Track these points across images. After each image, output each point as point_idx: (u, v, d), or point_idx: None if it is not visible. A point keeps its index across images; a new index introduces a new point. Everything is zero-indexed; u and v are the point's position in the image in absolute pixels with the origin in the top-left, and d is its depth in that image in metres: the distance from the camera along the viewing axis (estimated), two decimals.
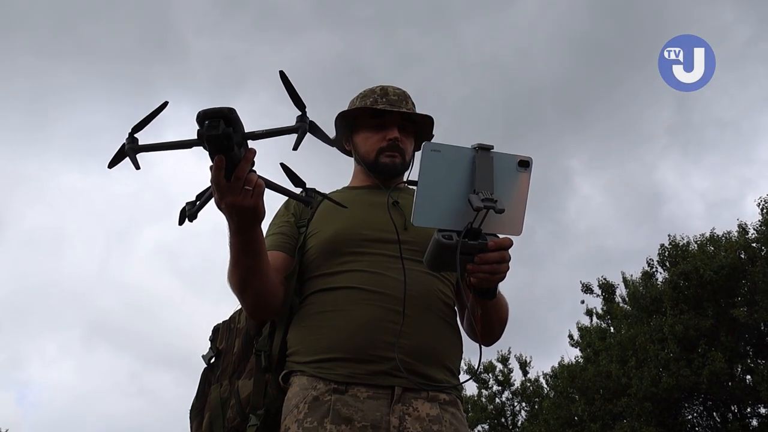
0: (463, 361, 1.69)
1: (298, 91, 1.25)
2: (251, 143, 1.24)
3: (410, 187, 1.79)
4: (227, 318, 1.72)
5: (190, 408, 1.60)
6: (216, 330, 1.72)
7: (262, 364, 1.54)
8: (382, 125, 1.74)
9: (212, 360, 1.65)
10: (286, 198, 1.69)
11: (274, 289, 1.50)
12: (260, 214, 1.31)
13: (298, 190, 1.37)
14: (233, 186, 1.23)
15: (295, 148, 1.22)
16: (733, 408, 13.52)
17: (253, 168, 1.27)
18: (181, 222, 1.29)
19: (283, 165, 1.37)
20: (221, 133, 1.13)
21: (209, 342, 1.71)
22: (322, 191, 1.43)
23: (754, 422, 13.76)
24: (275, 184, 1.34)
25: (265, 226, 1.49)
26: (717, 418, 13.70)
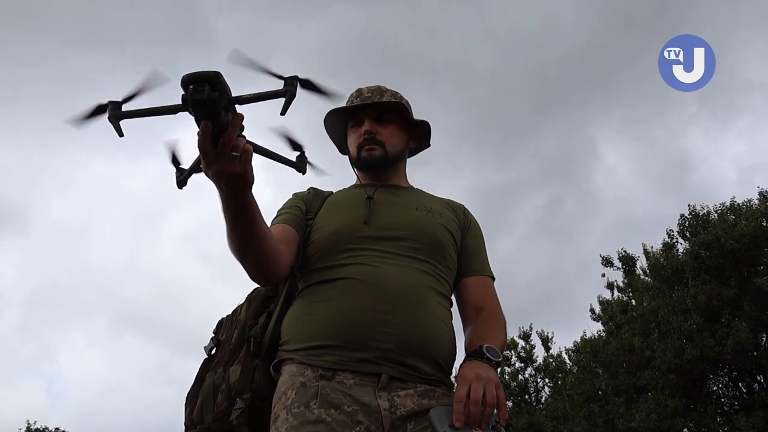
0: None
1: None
2: (239, 108, 1.19)
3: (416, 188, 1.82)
4: (231, 312, 1.76)
5: (186, 395, 1.63)
6: (220, 323, 1.76)
7: (251, 350, 1.56)
8: (358, 123, 1.77)
9: (213, 351, 1.68)
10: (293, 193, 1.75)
11: (275, 252, 1.48)
12: (249, 181, 1.27)
13: (288, 154, 1.34)
14: (220, 153, 1.18)
15: (283, 113, 1.19)
16: (758, 378, 13.39)
17: (242, 133, 1.23)
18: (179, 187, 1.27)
19: (277, 131, 1.34)
20: (206, 98, 1.09)
21: (213, 335, 1.74)
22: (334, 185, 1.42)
23: None
24: (265, 149, 1.30)
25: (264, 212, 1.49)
26: (743, 389, 13.59)
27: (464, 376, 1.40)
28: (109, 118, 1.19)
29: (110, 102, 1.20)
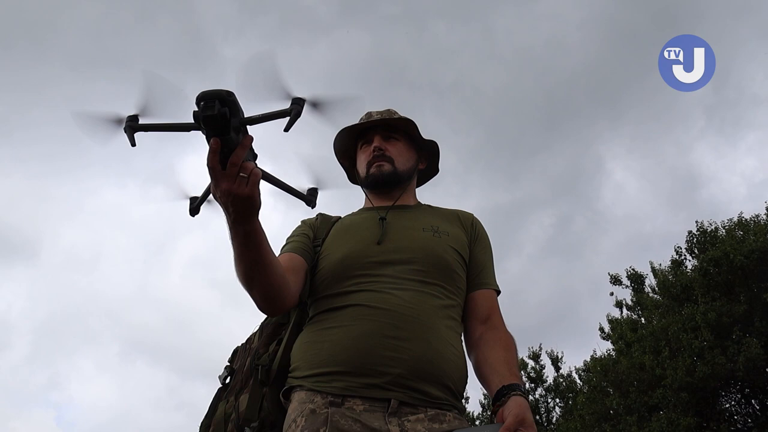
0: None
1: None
2: (250, 130, 1.22)
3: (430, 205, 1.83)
4: (245, 340, 1.76)
5: (199, 424, 1.64)
6: (235, 352, 1.76)
7: (259, 378, 1.57)
8: (368, 142, 1.80)
9: (227, 379, 1.69)
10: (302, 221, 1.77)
11: (283, 282, 1.48)
12: (256, 204, 1.27)
13: (296, 184, 1.39)
14: (228, 172, 1.20)
15: (286, 129, 1.22)
16: None
17: (255, 160, 1.26)
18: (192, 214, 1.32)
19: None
20: (217, 113, 1.11)
21: (228, 363, 1.74)
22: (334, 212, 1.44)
23: None
24: (276, 179, 1.33)
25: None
26: (756, 406, 13.43)
27: (525, 419, 1.39)
28: (124, 128, 1.24)
29: (128, 116, 1.25)
